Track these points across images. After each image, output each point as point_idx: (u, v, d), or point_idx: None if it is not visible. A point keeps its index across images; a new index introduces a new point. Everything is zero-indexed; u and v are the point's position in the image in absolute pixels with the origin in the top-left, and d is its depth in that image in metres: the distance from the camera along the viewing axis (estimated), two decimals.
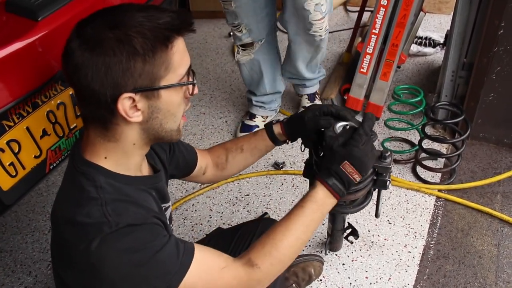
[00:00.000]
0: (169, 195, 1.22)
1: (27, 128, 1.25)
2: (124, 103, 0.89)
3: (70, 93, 1.32)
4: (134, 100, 0.90)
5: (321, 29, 2.09)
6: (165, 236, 0.94)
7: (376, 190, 1.49)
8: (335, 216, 1.61)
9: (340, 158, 1.07)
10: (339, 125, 1.20)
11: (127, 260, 0.89)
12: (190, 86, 0.99)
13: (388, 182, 1.35)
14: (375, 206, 1.51)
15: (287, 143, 1.35)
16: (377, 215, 1.53)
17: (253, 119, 2.47)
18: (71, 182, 0.99)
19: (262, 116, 2.48)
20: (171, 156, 1.30)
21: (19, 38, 1.19)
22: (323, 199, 1.08)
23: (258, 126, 2.43)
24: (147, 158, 1.14)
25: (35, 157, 1.28)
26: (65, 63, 0.91)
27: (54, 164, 1.32)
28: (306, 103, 2.54)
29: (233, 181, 2.19)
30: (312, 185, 1.11)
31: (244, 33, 2.15)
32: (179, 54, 0.93)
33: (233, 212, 2.04)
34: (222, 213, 2.05)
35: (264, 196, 2.12)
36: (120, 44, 0.86)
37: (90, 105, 0.92)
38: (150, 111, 0.94)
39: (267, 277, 1.03)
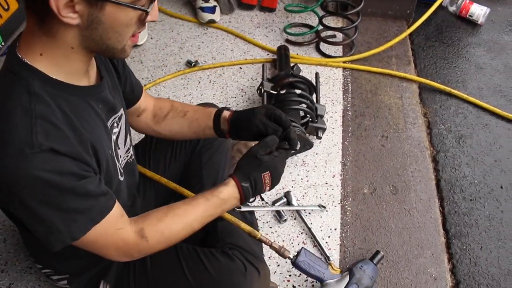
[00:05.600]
0: (121, 102, 1.13)
1: None
2: None
3: None
4: (72, 0, 0.80)
5: None
6: (90, 180, 0.90)
7: None
8: None
9: (265, 168, 1.07)
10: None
11: (45, 181, 0.84)
12: (143, 13, 0.88)
13: None
14: None
15: (225, 137, 1.27)
16: None
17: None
18: (1, 83, 0.88)
19: None
20: (123, 68, 1.18)
21: None
22: (230, 199, 1.07)
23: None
24: (98, 62, 1.04)
25: None
26: None
27: None
28: (202, 3, 2.52)
29: (150, 88, 2.16)
30: (225, 180, 1.08)
31: None
32: None
33: None
34: None
35: (185, 96, 2.13)
36: None
37: None
38: (90, 20, 0.83)
39: (149, 251, 1.04)
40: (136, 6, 0.86)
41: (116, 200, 0.99)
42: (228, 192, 1.07)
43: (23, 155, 0.82)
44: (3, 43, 1.65)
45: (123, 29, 0.88)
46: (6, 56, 0.90)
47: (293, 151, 1.15)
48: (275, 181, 1.10)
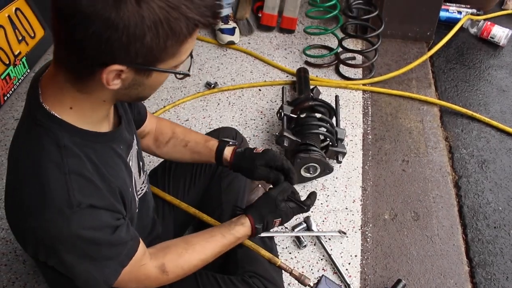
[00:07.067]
0: (133, 132, 1.13)
1: None
2: (110, 73, 0.79)
3: (7, 14, 1.20)
4: (122, 71, 0.80)
5: None
6: (121, 227, 0.92)
7: None
8: None
9: (279, 215, 1.18)
10: None
11: (84, 238, 0.85)
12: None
13: None
14: None
15: (228, 168, 1.33)
16: None
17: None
18: (28, 136, 0.87)
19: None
20: None
21: None
22: (243, 236, 1.17)
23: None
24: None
25: None
26: None
27: (8, 95, 1.22)
28: (221, 25, 2.54)
29: (169, 109, 2.17)
30: (240, 219, 1.17)
31: None
32: (191, 43, 0.84)
33: None
34: None
35: (204, 118, 2.14)
36: None
37: (72, 55, 0.79)
38: (132, 83, 0.84)
39: (167, 283, 1.09)
40: (181, 72, 0.88)
41: (140, 239, 1.00)
42: (244, 231, 1.17)
43: (63, 216, 0.82)
44: (28, 70, 1.66)
45: (159, 86, 0.91)
46: (30, 105, 0.88)
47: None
48: (282, 224, 1.22)
